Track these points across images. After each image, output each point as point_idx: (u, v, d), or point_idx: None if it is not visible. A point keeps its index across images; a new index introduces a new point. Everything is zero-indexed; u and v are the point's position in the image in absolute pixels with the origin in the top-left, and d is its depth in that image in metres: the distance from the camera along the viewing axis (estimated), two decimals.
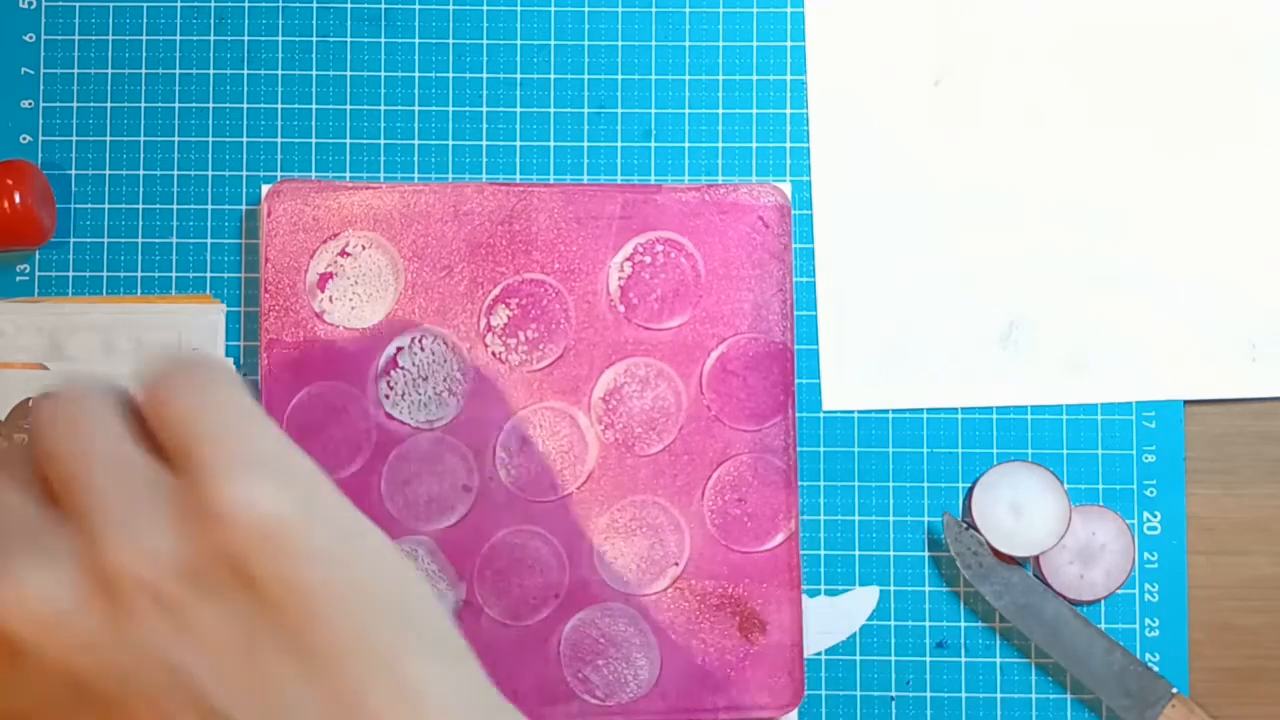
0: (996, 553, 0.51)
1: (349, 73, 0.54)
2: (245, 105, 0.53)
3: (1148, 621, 0.52)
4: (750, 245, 0.52)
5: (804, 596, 0.52)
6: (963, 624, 0.52)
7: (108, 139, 0.53)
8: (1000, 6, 0.54)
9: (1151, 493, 0.53)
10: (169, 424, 0.28)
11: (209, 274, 0.53)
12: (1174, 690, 0.50)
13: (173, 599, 0.26)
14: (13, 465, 0.29)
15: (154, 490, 0.27)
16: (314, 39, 0.54)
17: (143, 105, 0.53)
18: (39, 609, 0.26)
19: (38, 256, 0.53)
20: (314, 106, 0.53)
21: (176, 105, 0.53)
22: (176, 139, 0.53)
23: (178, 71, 0.54)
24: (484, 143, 0.54)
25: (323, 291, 0.52)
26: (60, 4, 0.54)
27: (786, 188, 0.53)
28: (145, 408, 0.29)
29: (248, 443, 0.27)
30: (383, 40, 0.54)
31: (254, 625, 0.26)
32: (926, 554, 0.52)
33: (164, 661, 0.26)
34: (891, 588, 0.52)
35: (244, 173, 0.53)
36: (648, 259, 0.53)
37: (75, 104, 0.53)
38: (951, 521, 0.51)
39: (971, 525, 0.51)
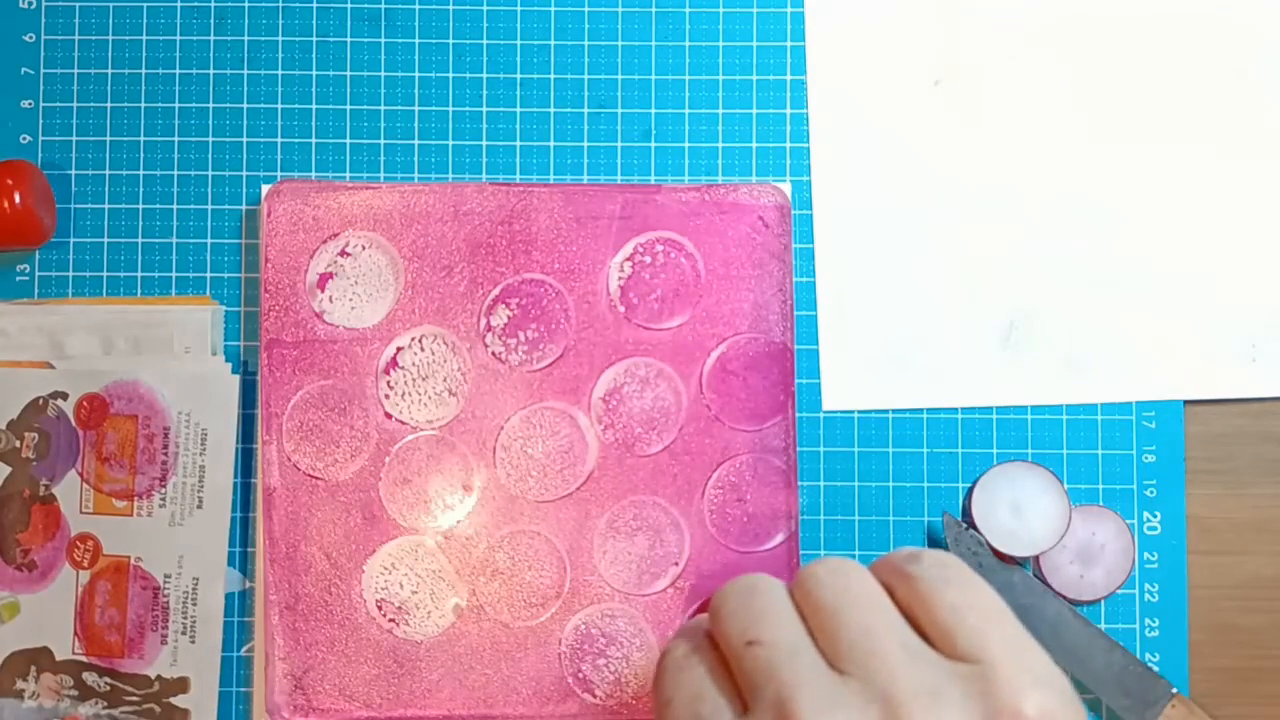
0: (996, 553, 0.51)
1: (349, 73, 0.54)
2: (245, 105, 0.53)
3: (1148, 621, 0.52)
4: (750, 245, 0.52)
5: None
6: None
7: (108, 139, 0.53)
8: (1000, 6, 0.54)
9: (1151, 493, 0.53)
10: (945, 621, 0.33)
11: (209, 274, 0.53)
12: (1174, 690, 0.50)
13: None
14: (784, 616, 0.35)
15: (949, 678, 0.32)
16: (314, 39, 0.54)
17: (143, 105, 0.53)
18: None
19: (38, 256, 0.53)
20: (314, 106, 0.53)
21: (176, 105, 0.53)
22: (176, 139, 0.53)
23: (178, 71, 0.54)
24: (484, 143, 0.54)
25: (323, 291, 0.52)
26: (60, 4, 0.54)
27: (786, 188, 0.53)
28: (912, 592, 0.34)
29: (1035, 664, 0.32)
30: (383, 40, 0.54)
31: None
32: None
33: None
34: None
35: (244, 173, 0.53)
36: (648, 259, 0.53)
37: (75, 104, 0.53)
38: (951, 521, 0.51)
39: (971, 525, 0.51)
